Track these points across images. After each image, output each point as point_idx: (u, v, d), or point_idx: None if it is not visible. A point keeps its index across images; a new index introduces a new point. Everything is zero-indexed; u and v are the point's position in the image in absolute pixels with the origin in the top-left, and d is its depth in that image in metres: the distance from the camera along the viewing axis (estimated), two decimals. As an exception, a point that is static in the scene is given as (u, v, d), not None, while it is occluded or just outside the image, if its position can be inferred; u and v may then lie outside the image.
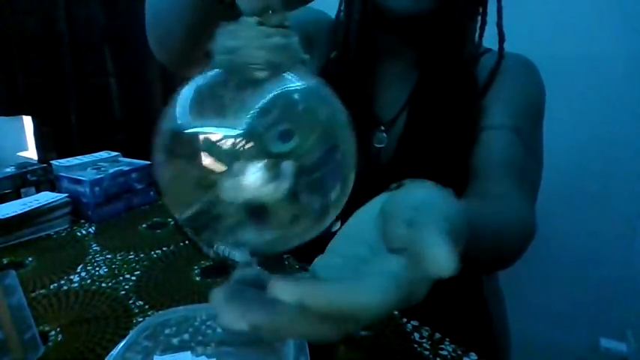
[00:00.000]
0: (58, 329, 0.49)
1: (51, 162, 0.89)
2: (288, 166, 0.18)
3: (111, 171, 0.84)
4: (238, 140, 0.18)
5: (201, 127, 0.19)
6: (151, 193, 0.91)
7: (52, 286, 0.58)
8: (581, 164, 1.10)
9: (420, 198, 0.23)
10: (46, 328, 0.49)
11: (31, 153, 1.97)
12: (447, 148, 0.58)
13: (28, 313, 0.49)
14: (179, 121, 0.19)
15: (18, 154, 2.03)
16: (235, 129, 0.18)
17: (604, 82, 1.04)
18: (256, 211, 0.19)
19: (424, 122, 0.59)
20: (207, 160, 0.18)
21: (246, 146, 0.18)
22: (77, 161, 0.89)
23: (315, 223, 0.20)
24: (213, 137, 0.18)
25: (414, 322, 0.50)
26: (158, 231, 0.77)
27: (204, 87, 0.20)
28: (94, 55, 1.51)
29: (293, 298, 0.18)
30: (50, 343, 0.47)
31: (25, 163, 0.92)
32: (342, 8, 0.63)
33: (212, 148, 0.18)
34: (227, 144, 0.18)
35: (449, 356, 0.44)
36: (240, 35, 0.19)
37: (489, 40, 0.61)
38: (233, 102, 0.19)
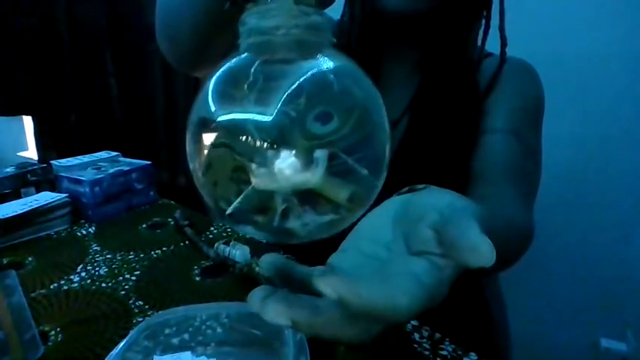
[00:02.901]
0: (58, 329, 0.49)
1: (51, 162, 0.89)
2: (321, 152, 0.18)
3: (111, 171, 0.84)
4: (275, 125, 0.17)
5: (235, 113, 0.18)
6: (151, 193, 0.91)
7: (52, 286, 0.58)
8: (581, 164, 1.10)
9: (447, 202, 0.24)
10: (46, 328, 0.49)
11: (31, 153, 1.97)
12: (448, 150, 0.58)
13: (28, 313, 0.49)
14: (211, 109, 0.19)
15: (18, 154, 2.03)
16: (272, 113, 0.17)
17: (602, 83, 1.04)
18: (303, 198, 0.18)
19: (426, 125, 0.59)
20: (244, 148, 0.18)
21: (285, 130, 0.17)
22: (77, 161, 0.89)
23: (360, 204, 0.20)
24: (249, 123, 0.18)
25: (414, 322, 0.50)
26: (158, 231, 0.77)
27: (237, 70, 0.19)
28: (94, 55, 1.51)
29: (335, 294, 0.19)
30: (50, 343, 0.47)
31: (25, 163, 0.92)
32: (346, 10, 0.63)
33: (248, 135, 0.18)
34: (264, 130, 0.17)
35: (449, 356, 0.44)
36: (276, 14, 0.19)
37: (490, 42, 0.61)
38: (269, 85, 0.18)
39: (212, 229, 0.76)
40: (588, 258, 1.13)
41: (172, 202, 0.92)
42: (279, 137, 0.17)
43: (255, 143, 0.17)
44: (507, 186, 0.52)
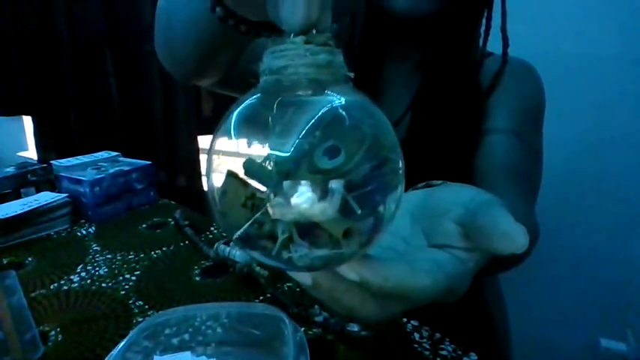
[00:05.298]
0: (58, 329, 0.49)
1: (51, 162, 0.89)
2: (337, 184, 0.18)
3: (111, 171, 0.84)
4: (286, 159, 0.18)
5: (250, 148, 0.19)
6: (151, 193, 0.91)
7: (52, 286, 0.58)
8: (580, 164, 1.10)
9: (470, 196, 0.24)
10: (46, 328, 0.49)
11: (31, 153, 1.97)
12: (450, 151, 0.58)
13: (28, 313, 0.49)
14: (229, 141, 0.20)
15: (18, 154, 2.03)
16: (283, 148, 0.18)
17: (602, 83, 1.04)
18: (306, 229, 0.19)
19: (427, 125, 0.59)
20: (255, 181, 0.19)
21: (295, 164, 0.18)
22: (77, 161, 0.89)
23: (368, 239, 0.20)
24: (261, 158, 0.19)
25: (414, 322, 0.50)
26: (158, 231, 0.77)
27: (252, 108, 0.21)
28: (94, 55, 1.51)
29: (357, 277, 0.19)
30: (50, 343, 0.47)
31: (25, 163, 0.92)
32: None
33: (260, 168, 0.19)
34: (275, 164, 0.18)
35: (449, 356, 0.44)
36: (286, 54, 0.20)
37: (490, 42, 0.61)
38: (280, 121, 0.19)
39: (212, 229, 0.76)
40: (588, 258, 1.13)
41: (172, 202, 0.92)
42: (294, 170, 0.18)
43: (271, 175, 0.19)
44: (509, 186, 0.52)
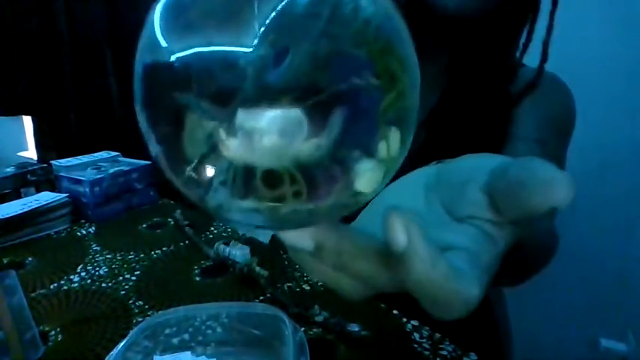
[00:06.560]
0: (58, 329, 0.49)
1: (51, 162, 0.89)
2: (340, 110, 0.12)
3: (111, 171, 0.84)
4: (244, 65, 0.12)
5: (193, 51, 0.13)
6: (151, 193, 0.91)
7: (52, 286, 0.58)
8: (581, 165, 1.10)
9: (498, 162, 0.20)
10: (46, 328, 0.49)
11: (31, 153, 1.97)
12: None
13: (28, 313, 0.49)
14: (157, 48, 0.13)
15: (18, 154, 2.03)
16: (243, 50, 0.12)
17: (604, 83, 1.04)
18: (270, 177, 0.13)
19: (449, 130, 0.58)
20: (202, 103, 0.12)
21: (259, 74, 0.12)
22: (77, 161, 0.89)
23: (349, 192, 0.14)
24: (214, 64, 0.12)
25: (414, 322, 0.50)
26: (158, 231, 0.77)
27: None
28: (94, 55, 1.51)
29: (406, 240, 0.15)
30: (50, 343, 0.47)
31: (25, 163, 0.92)
32: None
33: (210, 80, 0.12)
34: (232, 71, 0.12)
35: (449, 356, 0.44)
36: None
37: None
38: (235, 10, 0.13)
39: (212, 229, 0.76)
40: (588, 258, 1.13)
41: (172, 202, 0.92)
42: (260, 83, 0.12)
43: (224, 93, 0.12)
44: None
